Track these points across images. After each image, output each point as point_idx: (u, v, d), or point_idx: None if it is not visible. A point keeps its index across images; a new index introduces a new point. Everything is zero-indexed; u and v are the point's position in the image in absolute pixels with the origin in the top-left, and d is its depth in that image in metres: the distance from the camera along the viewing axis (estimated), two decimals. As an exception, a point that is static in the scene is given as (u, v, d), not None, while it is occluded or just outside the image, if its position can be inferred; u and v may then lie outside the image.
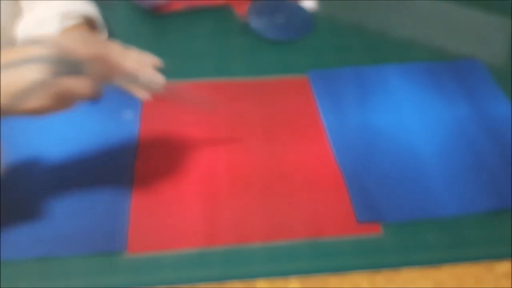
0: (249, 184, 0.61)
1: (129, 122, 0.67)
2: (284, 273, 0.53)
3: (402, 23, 0.87)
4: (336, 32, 0.84)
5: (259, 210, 0.58)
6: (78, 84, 0.39)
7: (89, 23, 0.73)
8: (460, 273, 0.54)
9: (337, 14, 0.88)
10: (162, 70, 0.74)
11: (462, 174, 0.62)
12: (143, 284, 0.52)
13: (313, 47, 0.81)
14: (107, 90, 0.73)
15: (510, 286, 0.53)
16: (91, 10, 0.72)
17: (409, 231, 0.57)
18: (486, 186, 0.61)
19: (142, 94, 0.67)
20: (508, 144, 0.66)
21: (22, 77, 0.36)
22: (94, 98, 0.42)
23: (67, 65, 0.37)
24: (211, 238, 0.55)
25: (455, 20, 0.88)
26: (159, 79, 0.53)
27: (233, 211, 0.58)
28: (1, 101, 0.37)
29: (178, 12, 0.87)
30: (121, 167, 0.61)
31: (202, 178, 0.61)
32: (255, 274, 0.53)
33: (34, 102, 0.38)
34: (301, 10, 0.88)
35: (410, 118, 0.69)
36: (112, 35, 0.79)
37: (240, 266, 0.53)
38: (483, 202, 0.59)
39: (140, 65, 0.57)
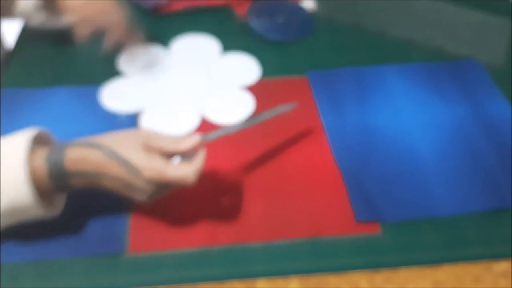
0: (249, 184, 0.61)
1: (128, 122, 0.68)
2: (284, 273, 0.53)
3: (401, 23, 0.87)
4: (336, 32, 0.84)
5: (259, 210, 0.58)
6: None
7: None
8: (458, 273, 0.54)
9: (336, 15, 0.89)
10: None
11: (460, 174, 0.62)
12: (144, 284, 0.52)
13: (312, 47, 0.81)
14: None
15: (508, 286, 0.53)
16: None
17: (407, 230, 0.57)
18: (484, 186, 0.61)
19: None
20: (506, 143, 0.66)
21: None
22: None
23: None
24: (211, 238, 0.56)
25: (454, 20, 0.88)
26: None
27: (233, 211, 0.58)
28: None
29: (178, 12, 0.87)
30: None
31: (202, 178, 0.61)
32: (255, 274, 0.53)
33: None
34: (301, 10, 0.88)
35: (409, 118, 0.69)
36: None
37: (240, 265, 0.54)
38: (481, 201, 0.59)
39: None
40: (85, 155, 0.50)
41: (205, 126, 0.68)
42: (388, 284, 0.53)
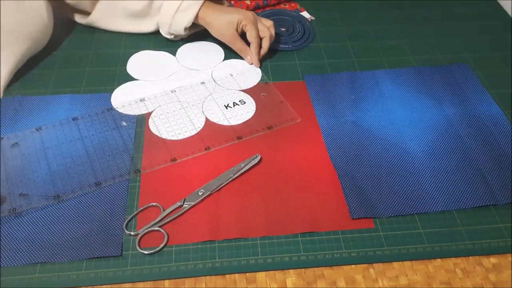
0: (249, 181, 0.63)
1: (127, 129, 0.69)
2: (283, 266, 0.55)
3: (394, 30, 0.89)
4: (334, 40, 0.87)
5: (259, 207, 0.60)
6: None
7: None
8: (449, 267, 0.56)
9: (335, 24, 0.91)
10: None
11: (451, 172, 0.64)
12: (149, 277, 0.54)
13: (310, 55, 0.84)
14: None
15: (497, 280, 0.55)
16: None
17: (400, 226, 0.59)
18: (474, 183, 0.63)
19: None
20: (495, 142, 0.68)
21: None
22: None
23: None
24: (214, 234, 0.58)
25: (444, 24, 0.91)
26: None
27: (234, 208, 0.60)
28: None
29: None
30: (120, 175, 0.63)
31: (204, 177, 0.63)
32: (255, 267, 0.55)
33: None
34: (302, 20, 0.90)
35: (400, 119, 0.72)
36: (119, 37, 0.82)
37: (241, 259, 0.56)
38: (471, 199, 0.61)
39: None
40: None
41: (209, 126, 0.70)
42: (382, 277, 0.55)
